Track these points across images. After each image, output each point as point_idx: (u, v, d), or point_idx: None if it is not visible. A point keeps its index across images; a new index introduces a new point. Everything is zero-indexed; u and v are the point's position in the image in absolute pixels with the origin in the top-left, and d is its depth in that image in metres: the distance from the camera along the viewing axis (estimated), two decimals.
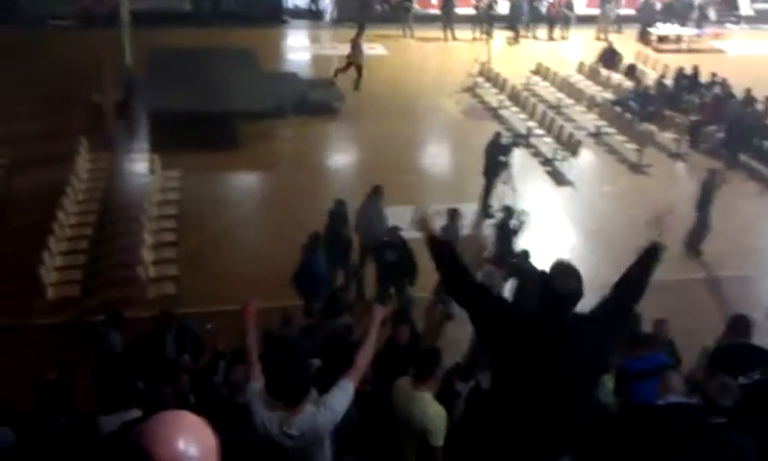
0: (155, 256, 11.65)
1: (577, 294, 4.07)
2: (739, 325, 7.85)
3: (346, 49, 25.86)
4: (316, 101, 19.74)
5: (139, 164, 16.12)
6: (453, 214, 11.83)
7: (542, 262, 11.03)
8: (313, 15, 29.41)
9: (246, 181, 16.50)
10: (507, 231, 12.32)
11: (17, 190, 14.47)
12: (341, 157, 18.17)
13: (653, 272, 4.42)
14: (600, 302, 4.35)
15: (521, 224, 12.40)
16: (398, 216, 11.31)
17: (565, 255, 11.85)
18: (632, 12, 30.40)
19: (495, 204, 14.44)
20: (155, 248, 11.92)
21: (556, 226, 14.76)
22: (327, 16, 29.81)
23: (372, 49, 26.06)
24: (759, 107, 18.93)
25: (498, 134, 15.44)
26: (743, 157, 17.91)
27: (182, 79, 18.46)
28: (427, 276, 12.16)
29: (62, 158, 14.67)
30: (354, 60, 21.64)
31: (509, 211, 12.67)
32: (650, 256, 4.52)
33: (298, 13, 29.24)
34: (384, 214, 12.00)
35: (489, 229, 13.34)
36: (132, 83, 18.67)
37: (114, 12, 20.16)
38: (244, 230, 14.02)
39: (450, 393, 7.32)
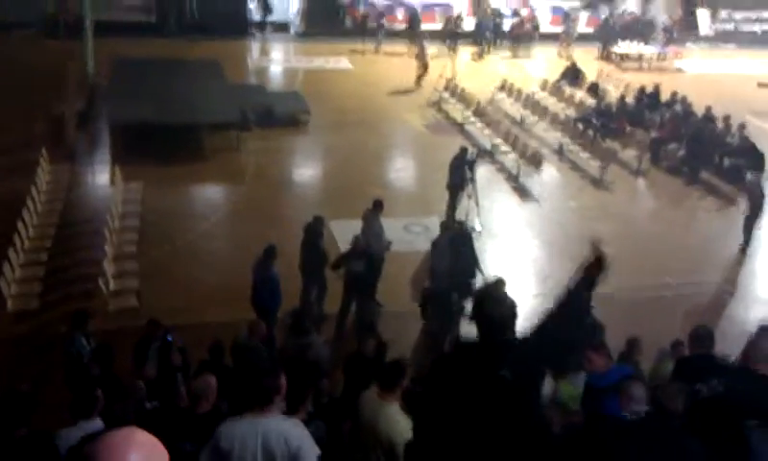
0: (116, 269, 11.48)
1: (507, 319, 4.08)
2: (701, 336, 7.97)
3: (311, 62, 25.97)
4: (282, 113, 19.65)
5: (101, 176, 15.91)
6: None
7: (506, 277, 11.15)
8: (279, 28, 29.37)
9: (210, 194, 16.35)
10: (458, 245, 12.34)
11: None
12: (306, 170, 18.14)
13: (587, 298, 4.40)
14: (537, 325, 4.34)
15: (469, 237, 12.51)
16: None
17: (530, 270, 12.03)
18: (593, 30, 30.83)
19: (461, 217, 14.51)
20: (116, 260, 11.74)
21: (520, 240, 14.86)
22: (293, 29, 29.83)
23: (338, 63, 26.17)
24: (719, 124, 19.26)
25: (464, 149, 15.50)
26: (703, 174, 18.21)
27: (146, 90, 18.30)
28: (398, 287, 12.29)
29: (23, 169, 14.41)
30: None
31: (461, 226, 12.79)
32: (585, 286, 4.49)
33: (264, 26, 29.16)
34: (383, 230, 12.05)
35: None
36: (95, 93, 18.48)
37: (79, 21, 19.95)
38: (207, 242, 13.88)
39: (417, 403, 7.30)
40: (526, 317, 9.36)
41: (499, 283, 10.76)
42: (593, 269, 4.46)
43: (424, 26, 28.35)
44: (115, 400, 7.17)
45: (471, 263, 12.14)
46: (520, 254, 14.19)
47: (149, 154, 15.82)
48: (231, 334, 8.94)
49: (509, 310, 4.09)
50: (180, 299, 11.41)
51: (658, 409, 5.31)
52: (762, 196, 14.77)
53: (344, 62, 26.28)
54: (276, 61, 27.21)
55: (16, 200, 13.03)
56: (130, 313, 10.53)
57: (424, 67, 23.60)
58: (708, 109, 19.73)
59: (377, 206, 12.26)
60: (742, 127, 18.77)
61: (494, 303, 4.10)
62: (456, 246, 12.20)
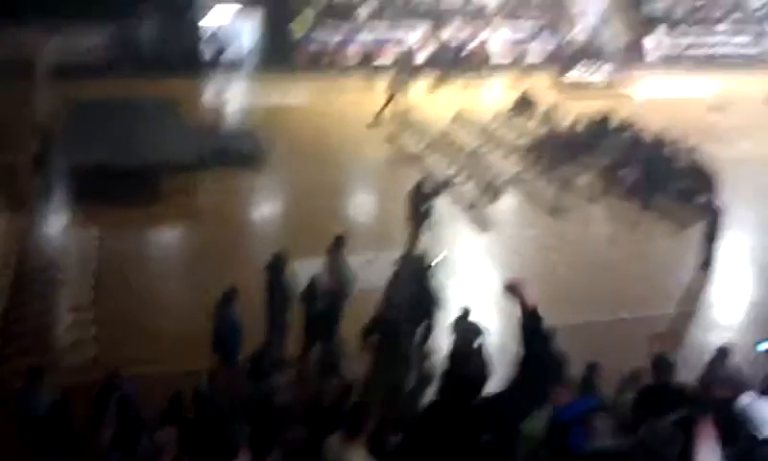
0: (73, 319, 11.30)
1: (481, 378, 4.08)
2: (662, 365, 8.08)
3: (266, 99, 25.99)
4: (238, 152, 19.59)
5: (56, 222, 15.67)
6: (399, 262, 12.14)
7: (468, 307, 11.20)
8: (234, 66, 29.34)
9: (168, 237, 16.22)
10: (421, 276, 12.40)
11: None
12: (265, 209, 18.07)
13: (539, 338, 4.35)
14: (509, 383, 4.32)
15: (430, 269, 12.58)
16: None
17: (491, 301, 12.07)
18: (544, 59, 31.31)
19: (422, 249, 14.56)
20: (73, 310, 11.56)
21: (480, 271, 14.94)
22: (249, 66, 29.80)
23: (294, 99, 26.20)
24: (669, 148, 19.61)
25: (422, 181, 15.60)
26: (657, 198, 18.50)
27: (101, 132, 18.10)
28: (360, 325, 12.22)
29: None
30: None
31: (421, 258, 12.84)
32: (529, 325, 4.42)
33: (218, 64, 29.11)
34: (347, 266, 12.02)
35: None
36: (49, 137, 18.21)
37: (31, 64, 19.72)
38: (167, 287, 13.74)
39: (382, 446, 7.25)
40: (491, 351, 9.39)
41: (465, 313, 10.90)
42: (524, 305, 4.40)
43: (378, 60, 28.57)
44: (75, 457, 7.05)
45: (431, 296, 12.22)
46: (481, 286, 14.25)
47: (105, 198, 15.63)
48: (193, 383, 8.83)
49: (484, 370, 4.08)
50: (139, 348, 11.23)
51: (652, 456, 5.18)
52: (718, 218, 15.05)
53: (300, 98, 26.31)
54: (232, 99, 27.13)
55: None
56: (87, 365, 10.35)
57: (390, 99, 23.76)
58: (659, 133, 20.09)
59: (339, 242, 12.25)
60: (692, 150, 19.14)
61: (470, 365, 4.09)
62: (417, 278, 12.27)
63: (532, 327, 4.28)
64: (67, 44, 25.38)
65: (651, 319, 13.42)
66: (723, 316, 13.93)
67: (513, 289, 4.34)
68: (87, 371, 10.09)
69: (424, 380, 11.04)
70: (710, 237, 15.09)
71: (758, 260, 16.06)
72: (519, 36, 31.51)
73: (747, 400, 7.87)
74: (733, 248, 15.84)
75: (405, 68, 27.32)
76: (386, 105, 23.55)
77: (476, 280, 14.49)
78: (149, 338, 11.65)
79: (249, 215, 17.48)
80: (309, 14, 29.47)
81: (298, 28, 29.49)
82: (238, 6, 30.10)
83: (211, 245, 15.19)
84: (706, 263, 15.18)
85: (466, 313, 10.99)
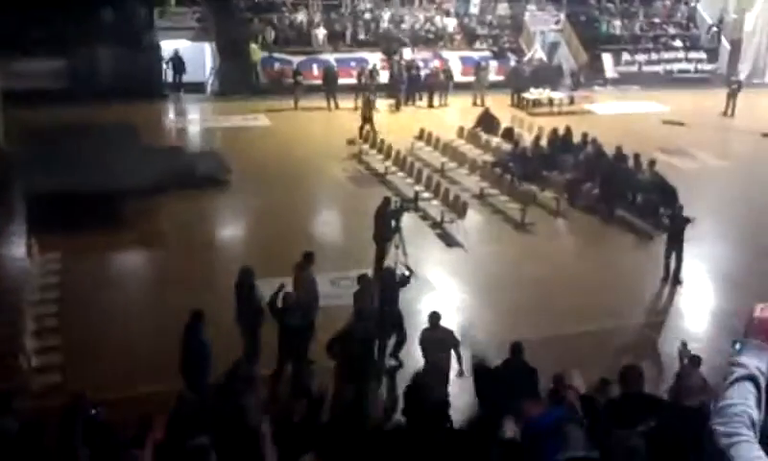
0: (37, 344, 11.08)
1: (443, 403, 4.05)
2: (630, 375, 8.13)
3: (228, 120, 25.96)
4: (202, 173, 19.46)
5: (17, 248, 15.35)
6: (362, 279, 12.14)
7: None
8: (194, 89, 29.21)
9: (132, 261, 16.00)
10: (390, 290, 12.43)
11: None
12: (230, 230, 17.97)
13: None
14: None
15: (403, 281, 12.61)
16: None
17: (459, 316, 12.09)
18: (503, 78, 31.66)
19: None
20: (37, 335, 11.34)
21: (449, 286, 14.99)
22: (209, 89, 29.72)
23: (256, 120, 26.15)
24: (630, 162, 19.89)
25: (387, 200, 15.62)
26: (619, 211, 18.76)
27: (60, 157, 17.92)
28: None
29: None
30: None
31: (389, 272, 12.91)
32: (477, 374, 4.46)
33: (178, 87, 28.96)
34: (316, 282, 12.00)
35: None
36: (8, 164, 17.94)
37: None
38: (132, 311, 13.53)
39: None
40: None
41: (434, 316, 10.89)
42: None
43: (341, 81, 28.65)
44: None
45: (398, 311, 12.26)
46: (449, 301, 14.27)
47: (66, 223, 15.40)
48: (161, 407, 8.67)
49: (443, 400, 4.06)
50: (106, 372, 11.02)
51: None
52: (680, 229, 15.28)
53: (261, 120, 26.27)
54: (193, 122, 27.04)
55: None
56: (54, 390, 10.15)
57: (366, 119, 23.86)
58: (619, 148, 20.36)
59: (308, 258, 12.22)
60: (652, 163, 19.42)
61: (428, 394, 4.05)
62: (384, 293, 12.28)
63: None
64: (25, 71, 25.03)
65: (618, 330, 13.57)
66: (689, 326, 14.10)
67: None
68: (54, 394, 9.87)
69: (392, 395, 11.00)
70: (674, 248, 15.32)
71: (722, 269, 16.32)
72: (480, 55, 31.78)
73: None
74: (697, 257, 16.07)
75: (368, 87, 27.49)
76: (364, 124, 23.66)
77: (444, 296, 14.52)
78: (115, 363, 11.44)
79: (214, 237, 17.33)
80: (255, 48, 29.47)
81: (252, 55, 29.45)
82: (195, 31, 30.09)
83: (176, 267, 15.03)
84: (670, 274, 15.39)
85: (435, 319, 10.97)
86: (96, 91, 26.75)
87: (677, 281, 15.37)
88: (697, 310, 14.79)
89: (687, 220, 15.32)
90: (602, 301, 14.45)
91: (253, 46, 29.52)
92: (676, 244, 15.29)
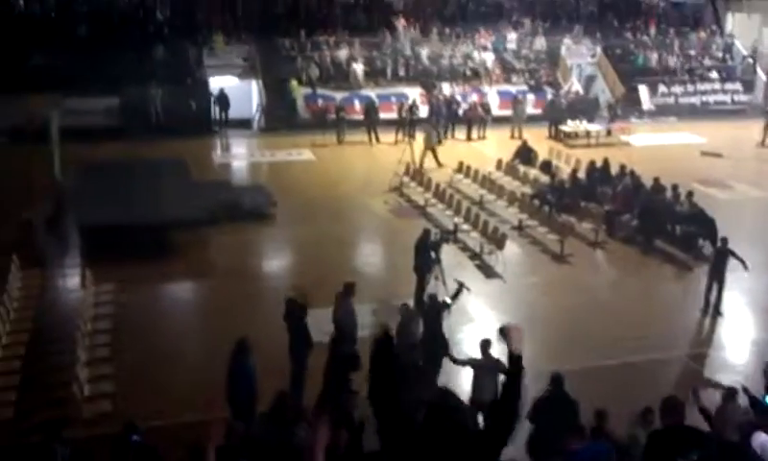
0: (90, 373, 11.18)
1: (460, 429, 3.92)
2: (671, 407, 7.92)
3: (274, 155, 26.20)
4: (248, 207, 19.62)
5: (72, 279, 15.62)
6: (404, 309, 12.16)
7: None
8: (241, 125, 29.55)
9: (182, 292, 16.13)
10: (435, 315, 12.36)
11: None
12: (276, 262, 18.03)
13: (519, 382, 4.24)
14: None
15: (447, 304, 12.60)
16: None
17: (496, 348, 11.96)
18: (541, 111, 31.53)
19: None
20: (89, 364, 11.45)
21: (487, 318, 14.83)
22: (255, 125, 30.06)
23: (301, 155, 26.35)
24: (668, 194, 19.61)
25: (427, 232, 15.58)
26: (658, 243, 18.46)
27: (114, 191, 18.20)
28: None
29: None
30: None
31: (433, 299, 12.83)
32: (511, 369, 4.31)
33: (226, 124, 29.33)
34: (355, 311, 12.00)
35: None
36: (64, 197, 18.29)
37: (45, 128, 19.85)
38: (181, 341, 13.61)
39: None
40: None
41: (485, 344, 10.77)
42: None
43: (382, 115, 28.81)
44: None
45: (441, 339, 12.20)
46: (488, 333, 14.09)
47: (119, 255, 15.59)
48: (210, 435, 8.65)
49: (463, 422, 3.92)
50: (155, 400, 11.10)
51: None
52: (724, 261, 14.95)
53: (306, 154, 26.47)
54: (240, 157, 27.30)
55: None
56: (105, 418, 10.22)
57: (432, 150, 24.40)
58: (657, 179, 20.10)
59: (349, 288, 12.22)
60: (690, 195, 19.13)
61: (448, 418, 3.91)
62: (428, 319, 12.24)
63: (511, 374, 4.19)
64: (80, 109, 25.56)
65: (660, 361, 13.27)
66: (730, 357, 13.76)
67: (504, 333, 4.28)
68: (105, 423, 9.94)
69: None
70: (715, 279, 15.01)
71: (762, 301, 15.93)
72: (517, 89, 31.73)
73: (760, 440, 7.72)
74: (737, 289, 15.72)
75: (408, 122, 27.63)
76: (427, 156, 24.28)
77: (483, 326, 14.37)
78: (165, 391, 11.53)
79: (260, 268, 17.43)
80: (295, 84, 29.77)
81: (291, 91, 29.77)
82: (242, 69, 30.53)
83: (224, 298, 15.11)
84: (710, 305, 15.08)
85: (486, 346, 10.88)
86: (148, 127, 27.28)
87: (718, 313, 15.05)
88: (738, 342, 14.42)
89: (733, 252, 14.99)
90: (642, 332, 14.18)
91: (293, 82, 29.83)
92: (717, 275, 14.98)
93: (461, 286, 12.76)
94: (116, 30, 29.11)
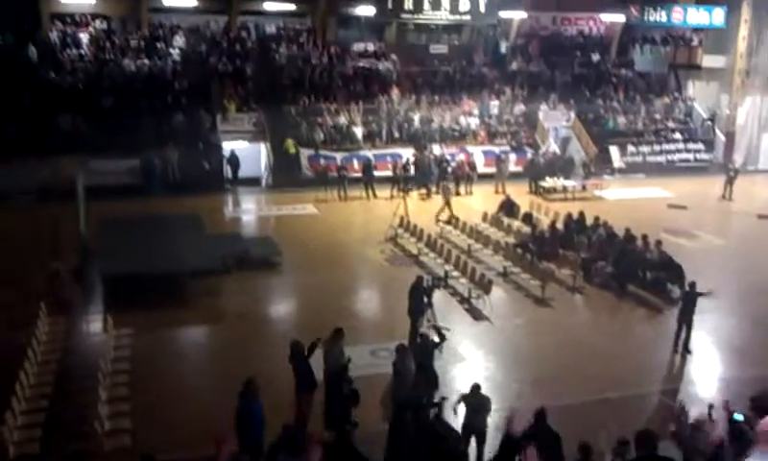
0: (110, 411, 11.03)
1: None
2: (645, 439, 7.84)
3: (280, 210, 26.29)
4: (257, 257, 19.61)
5: (94, 325, 15.52)
6: (401, 349, 12.11)
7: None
8: (251, 183, 29.68)
9: (194, 335, 16.00)
10: (426, 354, 12.31)
11: None
12: (281, 308, 17.95)
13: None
14: None
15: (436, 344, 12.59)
16: None
17: (488, 384, 11.84)
18: (522, 169, 31.74)
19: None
20: (109, 402, 11.30)
21: (476, 357, 14.73)
22: (263, 183, 30.18)
23: (304, 209, 26.42)
24: (639, 243, 19.63)
25: (420, 278, 15.53)
26: (631, 288, 18.44)
27: (133, 243, 18.21)
28: (369, 409, 11.93)
29: (24, 323, 14.04)
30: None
31: (425, 338, 12.85)
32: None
33: (237, 182, 29.44)
34: (345, 353, 11.87)
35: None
36: (88, 249, 18.27)
37: (71, 186, 19.91)
38: (195, 381, 13.48)
39: None
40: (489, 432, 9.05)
41: (476, 387, 10.66)
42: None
43: (377, 173, 28.99)
44: None
45: (434, 371, 12.11)
46: (477, 371, 14.02)
47: (138, 302, 15.54)
48: None
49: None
50: (170, 435, 10.95)
51: None
52: (693, 303, 14.92)
53: (309, 209, 26.54)
54: (249, 211, 27.35)
55: (18, 351, 12.65)
56: (124, 452, 10.08)
57: (447, 204, 24.59)
58: (628, 230, 20.17)
59: (337, 334, 12.13)
60: (659, 243, 19.17)
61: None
62: (421, 356, 12.16)
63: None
64: (104, 169, 25.67)
65: (634, 397, 13.14)
66: (700, 392, 13.62)
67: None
68: (124, 456, 9.79)
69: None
70: (684, 320, 14.96)
71: (726, 339, 15.88)
72: (500, 149, 32.00)
73: None
74: (704, 329, 15.66)
75: (402, 179, 27.79)
76: (446, 208, 24.50)
77: (472, 366, 14.28)
78: (179, 427, 11.38)
79: (267, 314, 17.33)
80: (290, 143, 29.97)
81: (287, 149, 29.96)
82: (252, 133, 30.80)
83: (234, 341, 14.99)
84: (679, 344, 15.01)
85: (477, 388, 10.76)
86: (166, 186, 27.40)
87: (687, 351, 14.97)
88: (706, 378, 14.32)
89: (700, 294, 14.96)
90: (619, 369, 14.08)
91: (289, 141, 30.06)
92: (686, 317, 14.94)
93: (440, 333, 12.86)
94: (138, 99, 29.37)
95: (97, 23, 33.10)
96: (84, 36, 32.41)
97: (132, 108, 28.58)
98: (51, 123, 27.58)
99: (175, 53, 32.96)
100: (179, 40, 33.61)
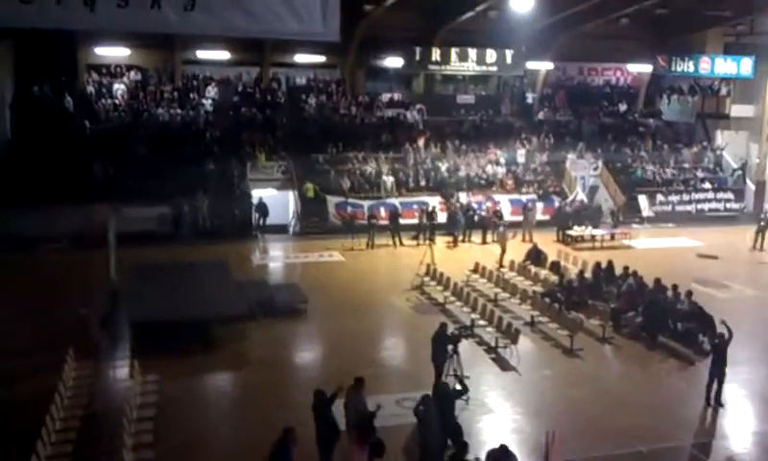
0: (134, 457, 10.97)
1: None
2: None
3: (307, 257, 26.34)
4: (282, 303, 19.60)
5: (121, 370, 15.52)
6: (425, 399, 11.91)
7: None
8: (278, 230, 29.84)
9: (219, 381, 15.92)
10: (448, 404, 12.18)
11: (7, 399, 13.72)
12: (307, 355, 17.84)
13: None
14: None
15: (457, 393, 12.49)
16: None
17: (514, 438, 11.61)
18: (549, 217, 31.56)
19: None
20: (134, 449, 11.25)
21: (503, 408, 14.44)
22: (291, 230, 30.35)
23: (331, 256, 26.45)
24: (669, 293, 19.29)
25: (443, 325, 15.30)
26: (661, 339, 18.06)
27: (161, 289, 18.30)
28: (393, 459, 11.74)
29: (52, 367, 14.06)
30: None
31: (444, 386, 12.73)
32: None
33: (265, 229, 29.63)
34: (366, 402, 11.73)
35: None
36: (117, 296, 18.41)
37: (103, 234, 20.19)
38: (220, 428, 13.38)
39: None
40: None
41: (503, 447, 10.45)
42: None
43: (404, 221, 29.04)
44: None
45: (454, 420, 11.99)
46: (505, 423, 13.73)
47: (165, 347, 15.55)
48: None
49: None
50: None
51: None
52: (724, 354, 14.55)
53: (336, 256, 26.57)
54: (276, 258, 27.44)
55: (45, 395, 12.65)
56: None
57: (503, 250, 24.82)
58: (658, 280, 19.83)
59: (358, 383, 11.95)
60: (689, 294, 18.83)
61: None
62: (441, 405, 11.95)
63: None
64: (135, 217, 26.00)
65: (666, 451, 12.75)
66: (733, 447, 13.19)
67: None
68: None
69: None
70: (716, 373, 14.57)
71: (760, 392, 15.41)
72: (527, 197, 31.90)
73: None
74: (736, 382, 15.24)
75: (429, 226, 27.77)
76: (502, 254, 24.80)
77: (500, 418, 14.00)
78: None
79: (293, 360, 17.23)
80: (310, 186, 30.38)
81: (306, 192, 30.30)
82: (280, 181, 31.10)
83: (260, 388, 14.91)
84: (711, 397, 14.60)
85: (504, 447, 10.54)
86: (195, 233, 27.67)
87: (719, 404, 14.55)
88: (739, 432, 13.85)
89: (722, 347, 14.59)
90: (649, 422, 13.69)
91: (309, 185, 30.37)
92: (718, 369, 14.55)
93: (462, 383, 12.90)
94: (170, 147, 29.87)
95: (132, 74, 33.93)
96: (118, 87, 33.23)
97: (164, 156, 29.05)
98: (85, 171, 28.12)
99: (207, 103, 33.63)
100: (211, 91, 34.30)
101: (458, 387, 12.65)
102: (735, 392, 15.10)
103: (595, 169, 34.87)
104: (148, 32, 18.45)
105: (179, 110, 32.80)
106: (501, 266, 24.17)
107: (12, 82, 31.57)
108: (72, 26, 12.03)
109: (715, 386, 14.57)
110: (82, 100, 32.13)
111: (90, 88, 32.95)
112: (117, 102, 32.70)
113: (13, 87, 31.59)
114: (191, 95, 33.86)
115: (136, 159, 29.11)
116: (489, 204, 30.97)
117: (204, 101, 33.78)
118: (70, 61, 32.53)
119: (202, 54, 33.99)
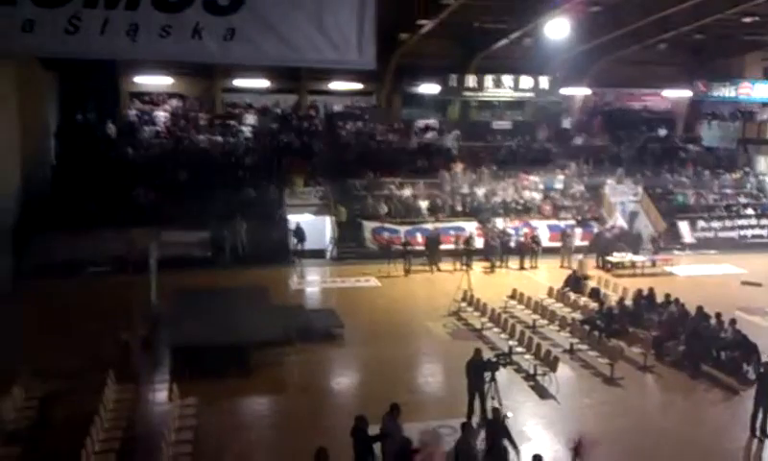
0: None
1: None
2: None
3: (344, 282, 26.38)
4: (319, 329, 19.64)
5: (160, 394, 15.64)
6: (465, 426, 11.86)
7: None
8: (316, 255, 29.95)
9: (258, 406, 15.95)
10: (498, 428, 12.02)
11: (49, 420, 13.92)
12: (343, 380, 17.80)
13: None
14: None
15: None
16: None
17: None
18: (588, 243, 31.19)
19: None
20: None
21: (542, 438, 14.20)
22: (328, 255, 30.45)
23: (368, 282, 26.46)
24: (712, 321, 18.87)
25: (478, 351, 15.13)
26: (704, 368, 17.64)
27: (202, 315, 18.47)
28: None
29: (93, 390, 14.26)
30: None
31: (497, 412, 12.59)
32: None
33: (302, 254, 29.78)
34: (402, 429, 11.65)
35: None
36: (158, 320, 18.63)
37: (145, 259, 20.50)
38: (258, 453, 13.40)
39: None
40: None
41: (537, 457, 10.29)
42: None
43: (441, 246, 28.93)
44: None
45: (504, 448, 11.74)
46: (545, 453, 13.45)
47: (203, 372, 15.67)
48: None
49: None
50: None
51: None
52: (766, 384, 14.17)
53: (372, 281, 26.58)
54: (313, 283, 27.53)
55: (86, 417, 12.80)
56: None
57: (585, 277, 24.67)
58: (701, 307, 19.42)
59: (394, 409, 11.90)
60: (733, 322, 18.39)
61: None
62: (491, 432, 11.81)
63: None
64: (176, 241, 26.35)
65: None
66: None
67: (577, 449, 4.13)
68: None
69: None
70: (761, 403, 14.16)
71: None
72: (565, 223, 31.60)
73: None
74: None
75: (466, 252, 27.65)
76: (573, 278, 24.41)
77: (538, 447, 13.75)
78: None
79: (329, 386, 17.19)
80: (342, 210, 30.57)
81: (339, 213, 30.43)
82: (318, 207, 31.32)
83: (297, 413, 14.91)
84: (757, 427, 14.17)
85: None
86: (234, 258, 27.94)
87: (765, 435, 14.12)
88: None
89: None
90: (692, 454, 13.36)
91: (341, 208, 30.53)
92: (763, 399, 14.14)
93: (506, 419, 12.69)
94: (210, 173, 30.33)
95: (173, 102, 34.66)
96: (160, 114, 33.94)
97: (204, 182, 29.51)
98: (127, 196, 28.67)
99: (246, 130, 34.14)
100: (250, 118, 34.83)
101: (509, 414, 12.55)
102: None
103: (635, 195, 34.43)
104: (189, 61, 18.85)
105: (218, 137, 33.34)
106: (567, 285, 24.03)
107: (57, 110, 32.46)
108: (115, 56, 12.33)
109: (761, 416, 14.16)
110: (124, 127, 32.90)
111: (133, 116, 33.72)
112: (159, 129, 33.39)
113: (58, 116, 32.47)
114: (231, 122, 34.42)
115: (177, 185, 29.61)
116: (526, 229, 30.75)
117: (243, 128, 34.29)
118: (113, 90, 33.40)
119: (241, 82, 34.59)
